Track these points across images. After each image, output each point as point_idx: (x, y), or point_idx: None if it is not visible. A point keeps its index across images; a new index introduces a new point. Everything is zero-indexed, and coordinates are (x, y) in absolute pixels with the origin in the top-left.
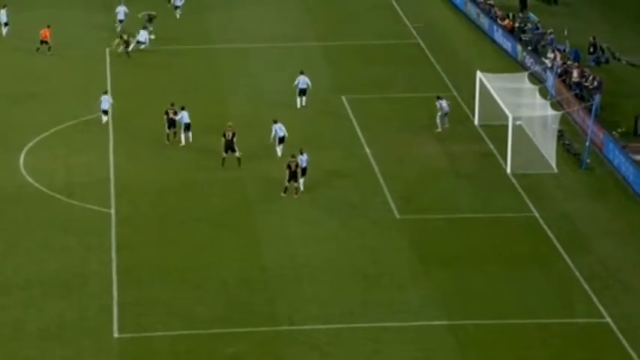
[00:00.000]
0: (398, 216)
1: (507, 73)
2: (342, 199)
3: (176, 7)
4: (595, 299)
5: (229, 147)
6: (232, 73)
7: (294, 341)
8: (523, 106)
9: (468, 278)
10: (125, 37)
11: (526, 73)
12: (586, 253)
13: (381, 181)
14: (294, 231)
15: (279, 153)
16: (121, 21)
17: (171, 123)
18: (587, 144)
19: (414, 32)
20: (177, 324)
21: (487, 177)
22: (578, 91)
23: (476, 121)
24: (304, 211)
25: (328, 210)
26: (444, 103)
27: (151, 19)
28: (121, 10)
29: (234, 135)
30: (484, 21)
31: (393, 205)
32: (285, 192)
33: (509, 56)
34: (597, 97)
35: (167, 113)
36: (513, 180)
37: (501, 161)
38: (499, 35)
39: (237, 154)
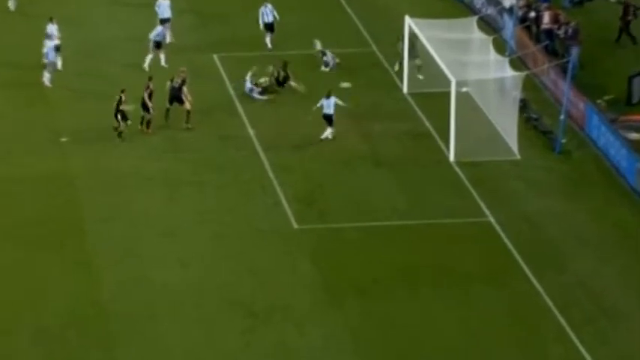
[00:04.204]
0: (295, 225)
1: (448, 19)
2: (216, 200)
3: None
4: (572, 336)
5: (175, 97)
6: (79, 29)
7: None
8: (471, 65)
9: (392, 310)
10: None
11: (475, 19)
12: (558, 272)
13: (271, 175)
14: (146, 247)
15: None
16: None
17: None
18: (561, 117)
19: None
20: None
21: (421, 167)
22: (548, 42)
23: (404, 89)
24: (161, 217)
25: (196, 215)
26: (329, 58)
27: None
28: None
29: (183, 82)
30: None
31: (288, 210)
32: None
33: None
34: (575, 51)
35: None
36: (458, 170)
37: (441, 144)
38: None
39: (186, 105)
